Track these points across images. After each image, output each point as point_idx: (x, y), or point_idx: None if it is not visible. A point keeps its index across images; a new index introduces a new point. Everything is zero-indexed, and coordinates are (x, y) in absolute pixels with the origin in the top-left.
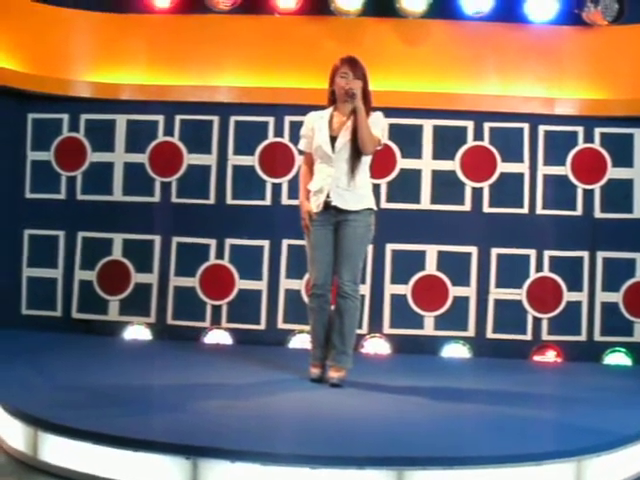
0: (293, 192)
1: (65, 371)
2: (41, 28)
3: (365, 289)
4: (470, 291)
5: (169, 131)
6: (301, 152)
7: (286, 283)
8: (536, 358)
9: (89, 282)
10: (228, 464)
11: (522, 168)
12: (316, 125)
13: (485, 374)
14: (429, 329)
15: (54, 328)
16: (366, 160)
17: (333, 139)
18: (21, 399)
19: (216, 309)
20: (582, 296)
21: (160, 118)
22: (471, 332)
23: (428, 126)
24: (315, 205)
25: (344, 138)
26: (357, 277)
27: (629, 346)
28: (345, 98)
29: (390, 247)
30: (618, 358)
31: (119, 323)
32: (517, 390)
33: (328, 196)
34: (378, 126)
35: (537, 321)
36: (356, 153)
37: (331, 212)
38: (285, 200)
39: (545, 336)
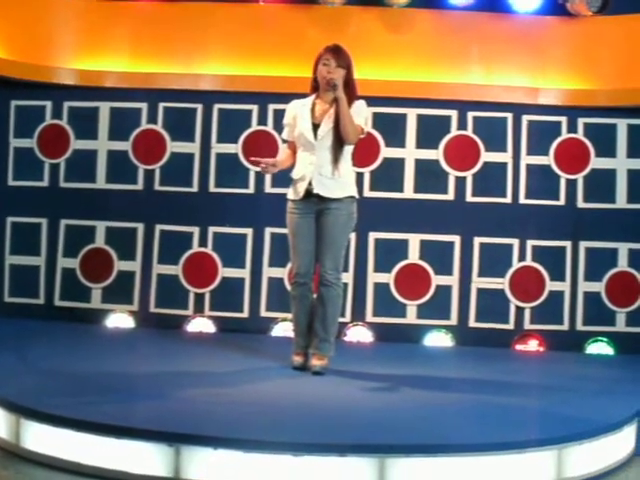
0: (276, 180)
1: (48, 359)
2: (24, 15)
3: (348, 277)
4: (453, 280)
5: (152, 119)
6: (285, 141)
7: (269, 271)
8: (518, 347)
9: (72, 270)
10: (210, 451)
11: (505, 158)
12: (298, 113)
13: (467, 363)
14: (412, 318)
15: (37, 316)
16: (349, 148)
17: (315, 127)
18: (3, 386)
19: (199, 297)
20: (565, 286)
21: (144, 106)
22: (454, 321)
23: (412, 115)
24: (297, 192)
25: (327, 126)
26: (339, 265)
27: (611, 336)
28: (327, 87)
29: (373, 236)
30: (600, 347)
31: (102, 311)
32: (499, 379)
33: (310, 184)
34: (361, 115)
35: (520, 310)
36: (339, 141)
37: (313, 200)
38: (268, 188)
39: (527, 325)
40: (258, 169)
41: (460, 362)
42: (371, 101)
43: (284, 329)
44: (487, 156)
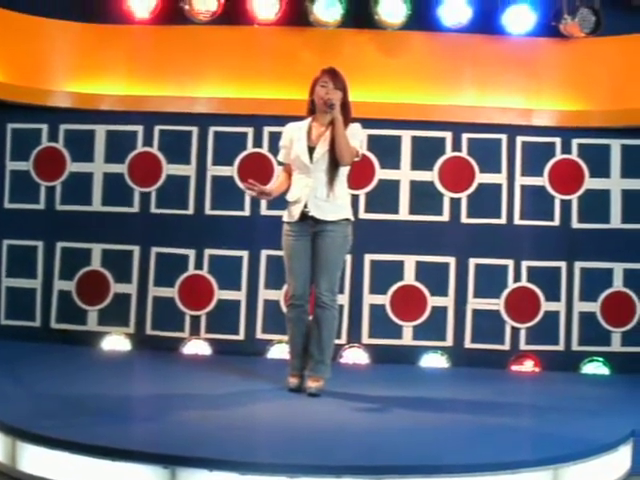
0: (272, 203)
1: (44, 381)
2: (21, 38)
3: (344, 299)
4: (448, 301)
5: (148, 141)
6: (281, 163)
7: (265, 293)
8: (514, 368)
9: (68, 292)
10: (206, 473)
11: (500, 179)
12: (294, 135)
13: (463, 384)
14: (407, 339)
15: (33, 338)
16: (344, 171)
17: (311, 149)
18: None
19: (195, 319)
20: (560, 306)
21: (139, 128)
22: (449, 342)
23: (406, 137)
24: (292, 215)
25: (322, 149)
26: (335, 287)
27: (606, 356)
28: (324, 108)
29: (369, 257)
30: (596, 367)
31: (98, 333)
32: (495, 399)
33: (306, 206)
34: (356, 137)
35: (515, 331)
36: (334, 164)
37: (309, 222)
38: (264, 210)
39: (523, 346)
40: (252, 193)
41: (456, 383)
42: (366, 123)
43: (280, 351)
44: (482, 177)
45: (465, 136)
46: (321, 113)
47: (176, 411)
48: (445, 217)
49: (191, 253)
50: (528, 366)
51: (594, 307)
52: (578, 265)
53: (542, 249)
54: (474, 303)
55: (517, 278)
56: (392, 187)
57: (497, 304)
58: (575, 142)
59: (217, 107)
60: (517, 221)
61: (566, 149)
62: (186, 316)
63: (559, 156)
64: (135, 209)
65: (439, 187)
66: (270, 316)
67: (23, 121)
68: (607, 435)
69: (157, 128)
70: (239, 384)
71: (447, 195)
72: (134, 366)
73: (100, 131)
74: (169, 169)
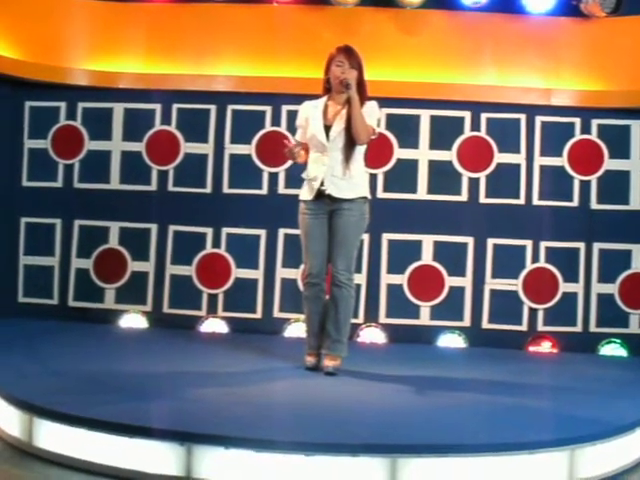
0: (290, 181)
1: (61, 358)
2: (39, 15)
3: (361, 279)
4: (466, 281)
5: (166, 120)
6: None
7: (282, 272)
8: (531, 348)
9: (85, 270)
10: (222, 450)
11: (519, 159)
12: (310, 114)
13: (480, 364)
14: (425, 319)
15: (50, 316)
16: (360, 149)
17: (327, 128)
18: (17, 386)
19: (212, 298)
20: (578, 287)
21: (157, 107)
22: (467, 322)
23: (425, 116)
24: (309, 193)
25: (338, 127)
26: (351, 266)
27: (624, 337)
28: (340, 88)
29: (386, 237)
30: (613, 349)
31: (115, 311)
32: (512, 380)
33: (322, 184)
34: (373, 115)
35: (533, 312)
36: (350, 142)
37: (325, 201)
38: (282, 189)
39: (541, 327)
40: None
41: (473, 363)
42: (384, 102)
43: (297, 330)
44: (500, 157)
45: (484, 116)
46: (337, 92)
47: (192, 389)
48: (463, 197)
49: (209, 231)
50: (545, 347)
51: (612, 288)
52: (597, 246)
53: (560, 230)
54: (492, 283)
55: (535, 259)
56: (410, 166)
57: (515, 285)
58: (595, 122)
59: (235, 85)
60: (536, 201)
61: (586, 129)
62: (203, 294)
63: (578, 136)
64: (153, 187)
65: (457, 167)
66: (287, 295)
67: (41, 99)
68: (624, 417)
69: (175, 106)
70: (256, 362)
71: (465, 175)
72: (151, 344)
73: (118, 109)
74: (187, 147)
